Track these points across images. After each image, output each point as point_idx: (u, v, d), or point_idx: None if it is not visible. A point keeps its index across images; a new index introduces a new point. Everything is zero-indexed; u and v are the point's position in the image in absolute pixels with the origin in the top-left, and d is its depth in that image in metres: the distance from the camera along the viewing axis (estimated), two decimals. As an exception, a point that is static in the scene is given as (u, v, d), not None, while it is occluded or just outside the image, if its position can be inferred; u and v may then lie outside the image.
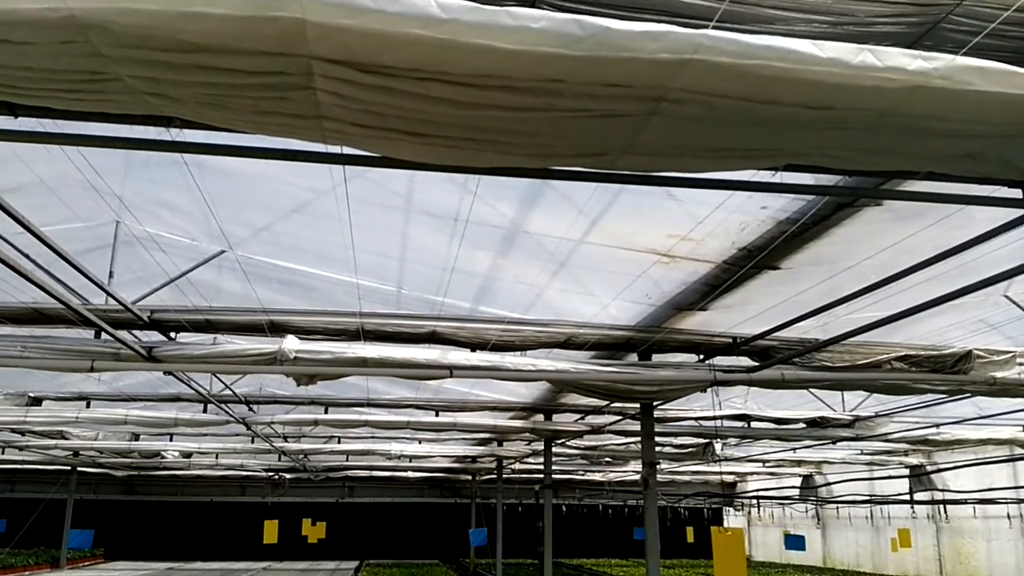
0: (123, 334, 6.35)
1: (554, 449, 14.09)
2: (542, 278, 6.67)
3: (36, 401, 10.58)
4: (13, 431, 13.70)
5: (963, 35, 2.83)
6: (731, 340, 7.06)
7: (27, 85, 2.52)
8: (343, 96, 2.43)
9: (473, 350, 7.30)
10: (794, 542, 13.46)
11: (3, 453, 17.92)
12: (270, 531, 15.48)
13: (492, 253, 6.32)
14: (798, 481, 22.93)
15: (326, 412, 11.62)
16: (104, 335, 6.33)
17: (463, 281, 6.81)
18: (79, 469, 21.07)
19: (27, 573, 19.39)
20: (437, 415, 11.81)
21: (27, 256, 5.13)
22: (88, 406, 11.01)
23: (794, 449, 16.59)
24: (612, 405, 10.13)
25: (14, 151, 4.82)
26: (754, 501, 25.02)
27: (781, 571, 21.80)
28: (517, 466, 19.85)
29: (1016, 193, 3.40)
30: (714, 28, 2.28)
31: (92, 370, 5.81)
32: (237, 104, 2.51)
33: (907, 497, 16.46)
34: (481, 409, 11.78)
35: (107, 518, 24.90)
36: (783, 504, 24.22)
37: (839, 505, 20.85)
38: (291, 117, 2.59)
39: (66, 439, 14.42)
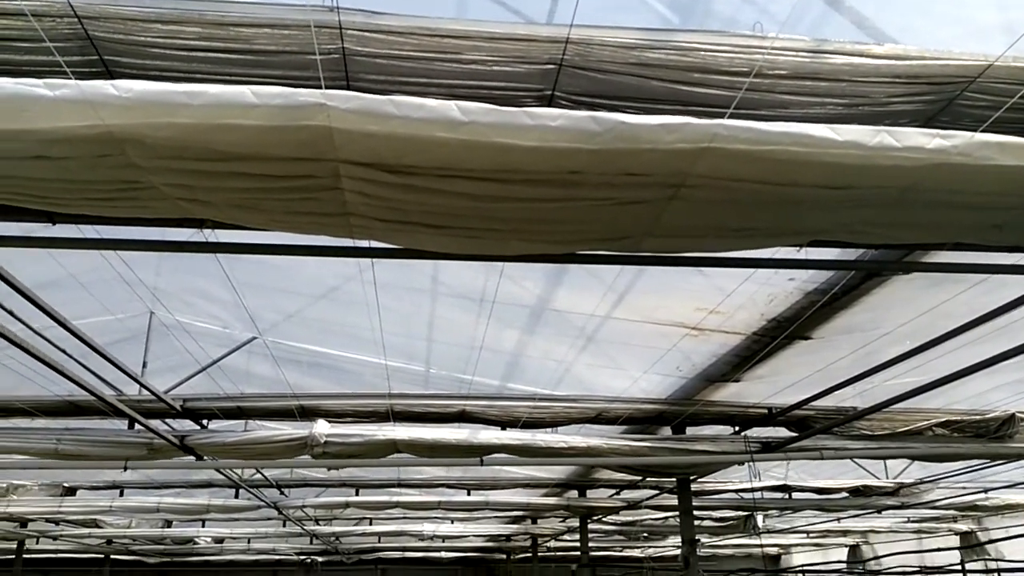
0: (156, 424, 6.40)
1: (590, 525, 13.76)
2: (570, 354, 6.64)
3: (71, 491, 10.62)
4: (47, 520, 13.73)
5: (980, 110, 2.84)
6: (767, 411, 6.93)
7: (64, 196, 2.62)
8: (369, 195, 2.50)
9: (503, 428, 7.23)
10: (844, 618, 12.87)
11: (37, 543, 17.88)
12: (303, 618, 15.13)
13: (519, 330, 6.33)
14: (844, 553, 22.08)
15: (357, 494, 11.50)
16: (138, 425, 6.38)
17: (491, 359, 6.80)
18: (113, 557, 20.93)
19: (59, 666, 19.07)
20: (469, 494, 11.64)
21: (61, 350, 5.23)
22: (121, 494, 11.02)
23: (839, 519, 16.05)
24: (648, 480, 9.91)
25: (48, 249, 4.96)
26: (800, 575, 24.08)
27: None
28: (553, 544, 19.38)
29: (1047, 259, 3.36)
30: (730, 116, 2.32)
31: (126, 468, 5.84)
32: (268, 206, 2.58)
33: (959, 567, 15.75)
34: (514, 486, 11.60)
35: (139, 606, 24.56)
36: (830, 576, 23.27)
37: (889, 576, 20.00)
38: (320, 216, 2.66)
39: (100, 527, 14.39)
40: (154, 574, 25.51)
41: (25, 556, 17.73)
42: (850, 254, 3.92)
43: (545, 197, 2.48)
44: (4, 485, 10.38)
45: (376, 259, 4.37)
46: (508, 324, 6.09)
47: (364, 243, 3.11)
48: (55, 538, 16.17)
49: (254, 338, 6.61)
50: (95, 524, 14.08)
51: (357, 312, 6.22)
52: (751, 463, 6.57)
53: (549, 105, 2.55)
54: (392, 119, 2.16)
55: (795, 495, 11.44)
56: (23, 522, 13.64)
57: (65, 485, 10.54)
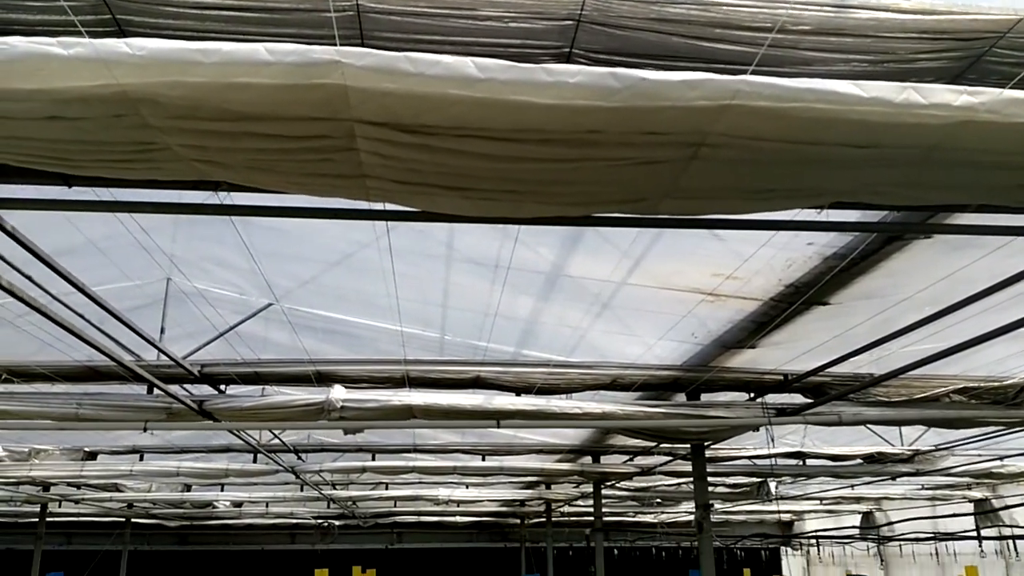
0: (175, 389, 6.46)
1: (603, 491, 13.86)
2: (585, 320, 6.63)
3: (91, 455, 10.79)
4: (69, 484, 13.98)
5: (1009, 67, 2.77)
6: (783, 377, 6.91)
7: (80, 157, 2.61)
8: (385, 156, 2.47)
9: (518, 394, 7.26)
10: (857, 583, 12.95)
11: (60, 506, 18.24)
12: (321, 580, 15.42)
13: (534, 297, 6.32)
14: (857, 519, 22.17)
15: (373, 459, 11.62)
16: (156, 390, 6.45)
17: (506, 326, 6.80)
18: (133, 520, 21.33)
19: (84, 625, 19.55)
20: (484, 459, 11.74)
21: (81, 316, 5.26)
22: (142, 459, 11.18)
23: (852, 486, 16.07)
24: (662, 446, 9.95)
25: (66, 216, 4.97)
26: (813, 541, 24.21)
27: (844, 613, 20.99)
28: (566, 509, 19.57)
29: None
30: (752, 73, 2.27)
31: (145, 429, 5.91)
32: (284, 167, 2.56)
33: (973, 533, 15.78)
34: (528, 452, 11.68)
35: (161, 569, 25.09)
36: (843, 543, 23.40)
37: (902, 543, 20.07)
38: (335, 177, 2.64)
39: (120, 491, 14.65)
40: (174, 537, 26.01)
41: (48, 519, 18.10)
42: (872, 217, 3.87)
43: (562, 157, 2.45)
44: (27, 449, 10.56)
45: (392, 222, 4.37)
46: (523, 291, 6.08)
47: (379, 206, 3.10)
48: (77, 501, 16.50)
49: (270, 304, 6.63)
50: (116, 488, 14.34)
51: (372, 279, 6.22)
52: (769, 427, 6.55)
53: (567, 63, 2.50)
54: (408, 76, 2.13)
55: (809, 462, 11.46)
56: (46, 486, 13.91)
57: (86, 450, 10.70)
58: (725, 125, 2.29)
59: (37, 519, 17.85)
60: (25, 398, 6.58)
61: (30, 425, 6.88)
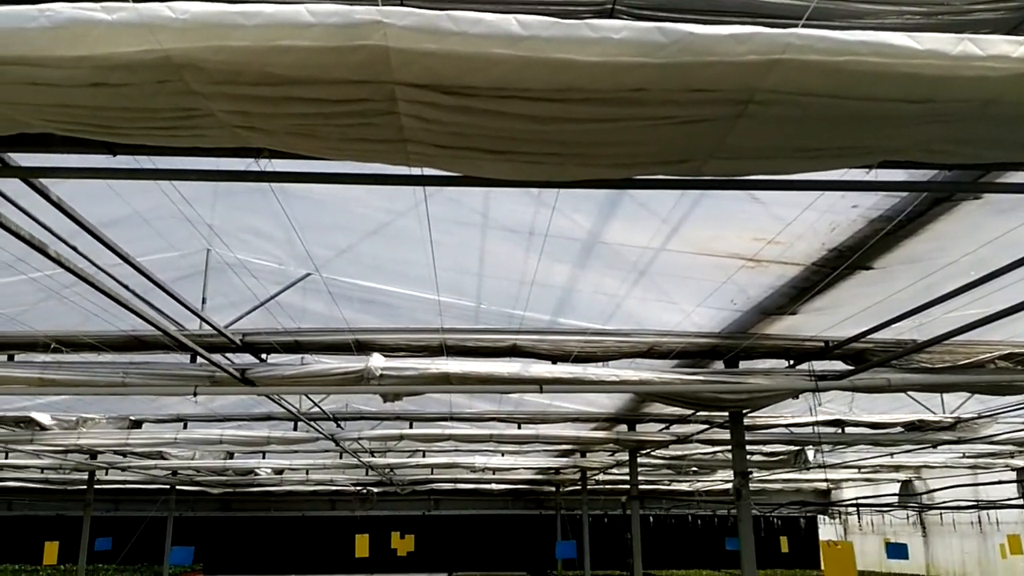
0: (217, 357, 6.57)
1: (639, 459, 13.89)
2: (622, 288, 6.59)
3: (137, 424, 11.06)
4: (115, 452, 14.37)
5: (1072, 15, 2.66)
6: (823, 344, 6.82)
7: (124, 125, 2.62)
8: (426, 119, 2.45)
9: (554, 362, 7.27)
10: (896, 551, 12.88)
11: (107, 474, 18.79)
12: (362, 545, 15.73)
13: (570, 265, 6.29)
14: (896, 487, 21.99)
15: (411, 427, 11.77)
16: (199, 359, 6.56)
17: (541, 294, 6.79)
18: (178, 487, 21.92)
19: (133, 588, 20.22)
20: (519, 427, 11.82)
21: (125, 286, 5.35)
22: (185, 427, 11.45)
23: (891, 454, 15.92)
24: (698, 414, 9.92)
25: (111, 187, 5.04)
26: (850, 509, 24.09)
27: (882, 581, 20.92)
28: (601, 477, 19.67)
29: None
30: (803, 26, 2.20)
31: (195, 394, 6.03)
32: (324, 132, 2.55)
33: (1016, 502, 15.57)
34: (563, 421, 11.73)
35: (205, 534, 25.80)
36: (882, 511, 23.26)
37: (943, 511, 19.89)
38: (376, 142, 2.63)
39: (165, 459, 15.03)
40: (217, 503, 26.71)
41: (96, 487, 18.67)
42: (920, 177, 3.77)
43: (606, 117, 2.41)
44: (74, 418, 10.85)
45: (429, 190, 4.36)
46: (558, 258, 6.05)
47: (418, 171, 3.08)
48: (123, 469, 16.97)
49: (308, 274, 6.69)
50: (160, 456, 14.71)
51: (408, 248, 6.24)
52: (815, 394, 6.47)
53: (609, 19, 2.45)
54: (450, 36, 2.10)
55: (848, 430, 11.36)
56: (93, 454, 14.31)
57: (132, 418, 10.96)
58: (774, 81, 2.23)
59: (85, 486, 18.44)
60: (73, 367, 6.74)
61: (78, 392, 7.06)
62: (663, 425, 11.81)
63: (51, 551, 16.95)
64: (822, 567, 5.13)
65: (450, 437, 11.95)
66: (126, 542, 18.40)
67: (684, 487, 22.77)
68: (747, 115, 2.38)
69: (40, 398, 10.48)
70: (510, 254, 6.20)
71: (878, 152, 2.81)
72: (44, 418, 10.58)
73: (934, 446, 13.05)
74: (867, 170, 3.15)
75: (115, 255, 4.62)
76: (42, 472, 18.85)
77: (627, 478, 13.86)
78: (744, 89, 2.27)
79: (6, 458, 16.11)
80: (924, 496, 19.91)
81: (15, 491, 23.93)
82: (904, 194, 4.31)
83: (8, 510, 26.54)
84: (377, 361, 6.68)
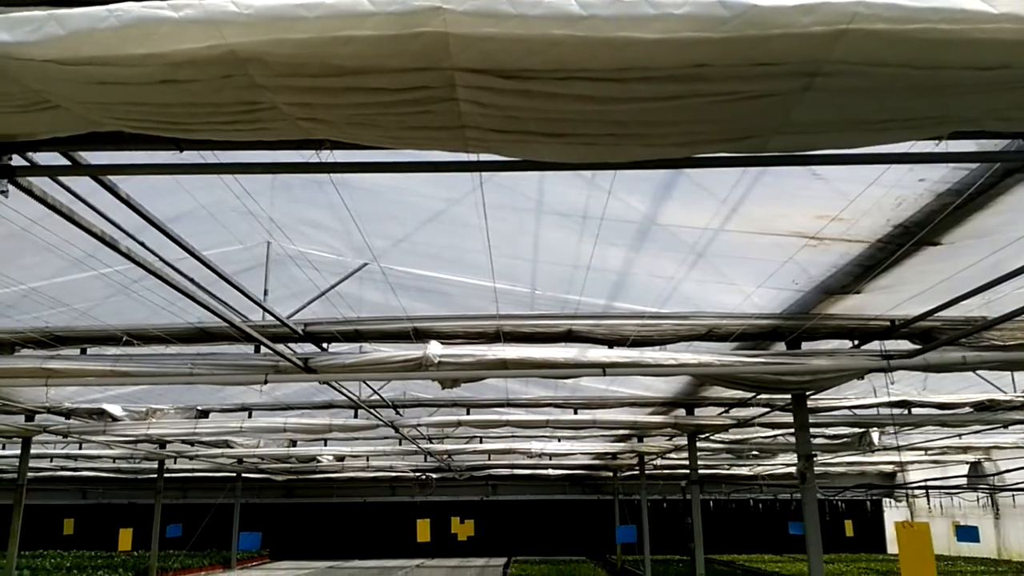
0: (281, 347, 6.71)
1: (698, 443, 13.77)
2: (679, 270, 6.52)
3: (204, 413, 11.39)
4: (183, 442, 14.84)
5: None
6: (889, 323, 6.65)
7: (191, 120, 2.68)
8: (484, 104, 2.45)
9: (611, 347, 7.25)
10: (967, 533, 12.55)
11: (175, 463, 19.42)
12: (423, 530, 15.96)
13: (625, 248, 6.24)
14: (963, 469, 21.37)
15: (468, 413, 11.88)
16: (263, 349, 6.71)
17: (596, 278, 6.76)
18: (243, 475, 22.54)
19: (203, 573, 20.88)
20: (576, 413, 11.83)
21: (191, 279, 5.50)
22: (250, 416, 11.74)
23: (959, 435, 15.47)
24: (759, 397, 9.77)
25: (177, 182, 5.18)
26: (917, 492, 23.51)
27: (952, 564, 20.39)
28: (659, 462, 19.57)
29: None
30: (869, -6, 2.13)
31: (265, 382, 6.19)
32: (384, 121, 2.57)
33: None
34: (620, 405, 11.69)
35: (270, 520, 26.49)
36: (951, 493, 22.65)
37: (1016, 492, 19.27)
38: (435, 129, 2.64)
39: (231, 447, 15.46)
40: (281, 490, 27.39)
41: (165, 475, 19.32)
42: (992, 148, 3.63)
43: (667, 95, 2.37)
44: (144, 409, 11.22)
45: (485, 175, 4.37)
46: (613, 242, 6.01)
47: (474, 157, 3.09)
48: (191, 458, 17.52)
49: (366, 264, 6.78)
50: (226, 444, 15.14)
51: (462, 235, 6.27)
52: (886, 373, 6.31)
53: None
54: (509, 19, 2.08)
55: (915, 411, 11.07)
56: (162, 443, 14.80)
57: (199, 408, 11.29)
58: (842, 51, 2.16)
59: (156, 475, 19.10)
60: (143, 359, 6.96)
61: (151, 382, 7.29)
62: (722, 409, 11.68)
63: (125, 537, 17.60)
64: (896, 550, 4.99)
65: (507, 423, 12.02)
66: (195, 529, 19.00)
67: (744, 471, 22.52)
68: (814, 88, 2.32)
69: (111, 390, 10.86)
70: (564, 239, 6.19)
71: (950, 122, 2.71)
72: (115, 409, 10.97)
73: (1005, 426, 12.64)
74: (937, 142, 3.05)
75: (181, 249, 4.74)
76: (114, 462, 19.59)
77: (686, 462, 13.77)
78: (810, 61, 2.21)
79: (80, 448, 16.79)
80: (994, 477, 19.32)
81: (90, 480, 24.93)
82: (974, 166, 4.16)
83: (83, 499, 27.64)
84: (435, 348, 6.75)
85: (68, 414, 11.33)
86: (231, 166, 3.34)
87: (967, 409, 10.96)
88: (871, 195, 4.49)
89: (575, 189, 5.22)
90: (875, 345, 6.82)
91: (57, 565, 19.27)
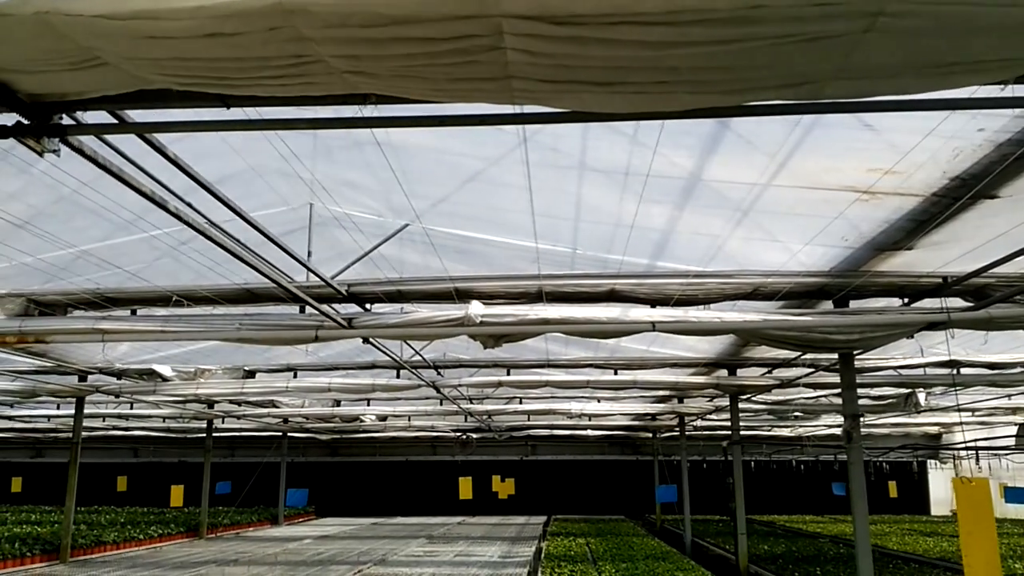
0: (325, 308, 6.78)
1: (739, 404, 13.70)
2: (724, 228, 6.41)
3: (250, 374, 11.61)
4: (231, 402, 15.19)
5: None
6: (941, 280, 6.48)
7: (238, 75, 2.68)
8: (533, 53, 2.40)
9: (653, 306, 7.19)
10: (1015, 495, 12.35)
11: (223, 422, 19.92)
12: (465, 487, 16.18)
13: (668, 206, 6.14)
14: (1012, 430, 20.94)
15: (508, 374, 11.93)
16: (308, 309, 6.79)
17: (638, 237, 6.68)
18: (289, 435, 23.04)
19: (252, 529, 21.50)
20: (616, 374, 11.81)
21: (237, 240, 5.56)
22: (295, 376, 11.96)
23: (1009, 396, 15.15)
24: (804, 357, 9.65)
25: (224, 141, 5.20)
26: (963, 453, 23.15)
27: (1000, 526, 20.11)
28: (699, 423, 19.53)
29: None
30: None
31: (316, 339, 6.27)
32: (430, 73, 2.54)
33: None
34: (660, 366, 11.64)
35: (316, 478, 27.13)
36: (998, 455, 22.26)
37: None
38: (481, 80, 2.60)
39: (276, 407, 15.79)
40: (326, 448, 27.99)
41: (214, 435, 19.83)
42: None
43: (721, 39, 2.30)
44: (192, 370, 11.48)
45: (532, 127, 4.31)
46: (656, 200, 5.92)
47: (518, 109, 3.04)
48: (239, 417, 17.94)
49: (407, 224, 6.78)
50: (272, 404, 15.46)
51: (501, 195, 6.22)
52: (948, 329, 6.13)
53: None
54: (560, -38, 2.03)
55: (963, 371, 10.84)
56: (210, 403, 15.16)
57: (245, 368, 11.51)
58: (908, -11, 2.08)
59: (204, 434, 19.61)
60: (192, 319, 7.10)
61: (199, 337, 7.43)
62: (765, 369, 11.57)
63: (177, 494, 18.16)
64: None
65: (546, 384, 12.06)
66: (243, 486, 19.53)
67: (785, 432, 22.37)
68: (876, 29, 2.23)
69: (161, 351, 11.12)
70: (606, 198, 6.11)
71: (1016, 65, 2.59)
72: (165, 370, 11.24)
73: (1058, 386, 12.33)
74: (1002, 86, 2.92)
75: (229, 210, 4.77)
76: (164, 421, 20.16)
77: (726, 423, 13.71)
78: (874, 0, 2.12)
79: (131, 408, 17.29)
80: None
81: (141, 439, 25.72)
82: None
83: (135, 457, 28.56)
84: (477, 308, 6.76)
85: (119, 375, 11.65)
86: (277, 122, 3.34)
87: (1018, 369, 10.71)
88: (927, 146, 4.34)
89: (618, 146, 5.14)
90: (927, 303, 6.65)
91: (112, 520, 19.98)
